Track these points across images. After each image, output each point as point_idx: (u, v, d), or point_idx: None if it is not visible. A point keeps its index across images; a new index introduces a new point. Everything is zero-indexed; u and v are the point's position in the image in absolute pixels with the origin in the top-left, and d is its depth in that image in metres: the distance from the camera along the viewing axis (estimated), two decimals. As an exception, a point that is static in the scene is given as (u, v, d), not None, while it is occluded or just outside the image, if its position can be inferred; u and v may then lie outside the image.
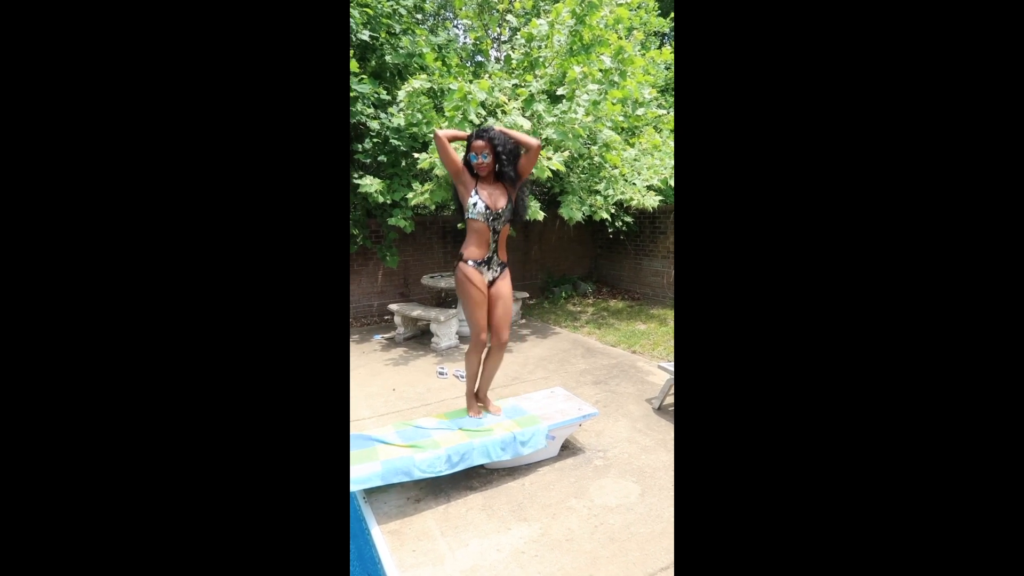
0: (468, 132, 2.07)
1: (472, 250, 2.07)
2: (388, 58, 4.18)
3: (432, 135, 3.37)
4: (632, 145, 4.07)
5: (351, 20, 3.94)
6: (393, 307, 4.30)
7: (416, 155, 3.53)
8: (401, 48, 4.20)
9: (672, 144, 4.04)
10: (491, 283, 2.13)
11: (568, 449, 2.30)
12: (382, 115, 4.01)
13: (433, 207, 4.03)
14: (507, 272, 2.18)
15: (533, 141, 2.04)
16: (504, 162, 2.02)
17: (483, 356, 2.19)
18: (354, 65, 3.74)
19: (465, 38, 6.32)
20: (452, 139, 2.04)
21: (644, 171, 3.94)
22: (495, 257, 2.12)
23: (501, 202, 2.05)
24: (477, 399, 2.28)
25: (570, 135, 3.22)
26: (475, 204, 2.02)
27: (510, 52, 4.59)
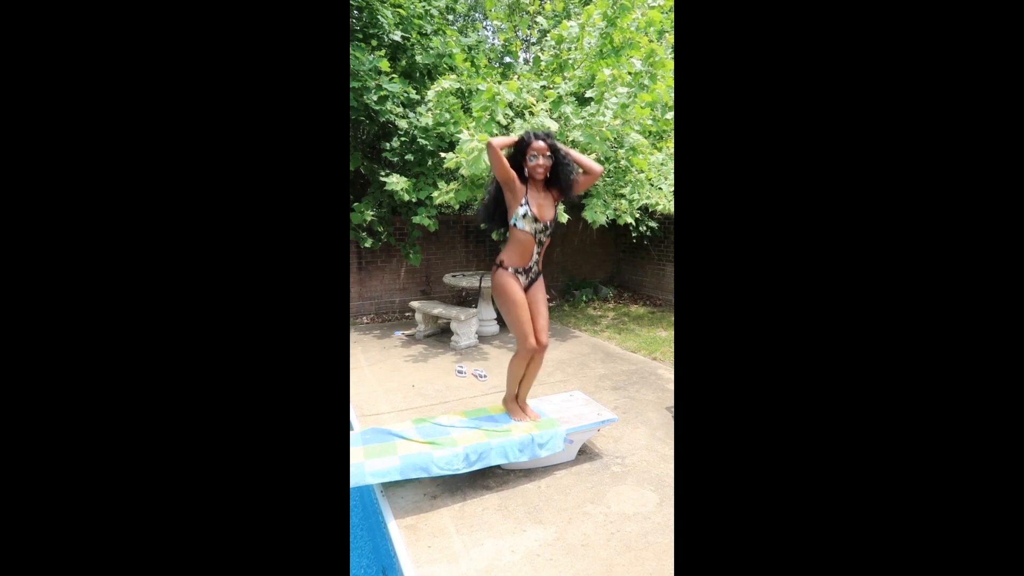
0: (516, 137, 2.03)
1: (514, 258, 2.04)
2: (418, 58, 4.23)
3: (459, 135, 3.39)
4: (660, 149, 4.02)
5: (384, 21, 4.00)
6: (415, 304, 4.34)
7: (443, 154, 3.56)
8: (431, 48, 4.25)
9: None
10: (526, 289, 2.10)
11: (585, 454, 2.28)
12: (411, 114, 4.06)
13: (457, 206, 4.05)
14: (541, 278, 2.16)
15: (597, 167, 2.07)
16: (561, 171, 2.01)
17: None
18: (385, 64, 3.80)
19: (494, 39, 6.35)
20: (503, 146, 1.99)
21: (671, 176, 3.88)
22: (535, 267, 2.10)
23: (549, 213, 2.04)
24: (516, 402, 2.24)
25: (597, 138, 3.19)
26: (524, 214, 1.98)
27: (539, 54, 4.59)
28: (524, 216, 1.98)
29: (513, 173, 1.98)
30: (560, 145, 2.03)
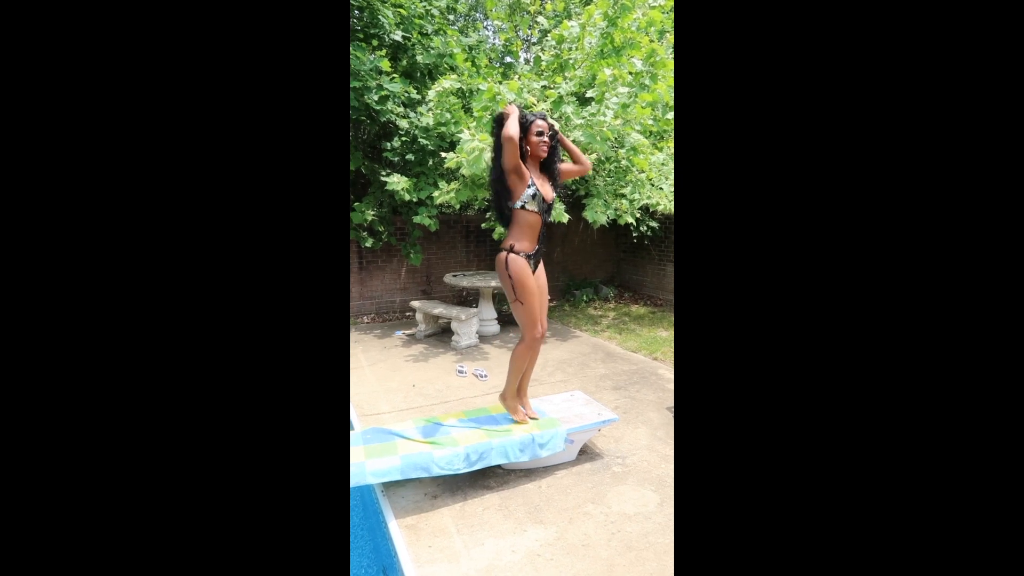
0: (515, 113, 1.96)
1: (524, 243, 2.01)
2: (419, 58, 4.23)
3: (460, 135, 3.39)
4: (660, 149, 4.01)
5: (385, 20, 4.00)
6: (415, 304, 4.35)
7: (444, 154, 3.56)
8: (432, 48, 4.25)
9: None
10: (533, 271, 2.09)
11: (586, 454, 2.28)
12: (411, 114, 4.06)
13: (458, 206, 4.05)
14: (542, 262, 2.16)
15: (587, 161, 2.16)
16: (556, 154, 2.07)
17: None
18: (386, 64, 3.80)
19: (495, 39, 6.35)
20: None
21: (672, 176, 3.88)
22: (541, 248, 2.08)
23: (550, 194, 2.06)
24: (518, 397, 2.21)
25: (598, 138, 3.19)
26: (534, 195, 1.96)
27: (540, 54, 4.59)
28: (533, 197, 1.97)
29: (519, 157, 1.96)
30: (555, 126, 2.07)
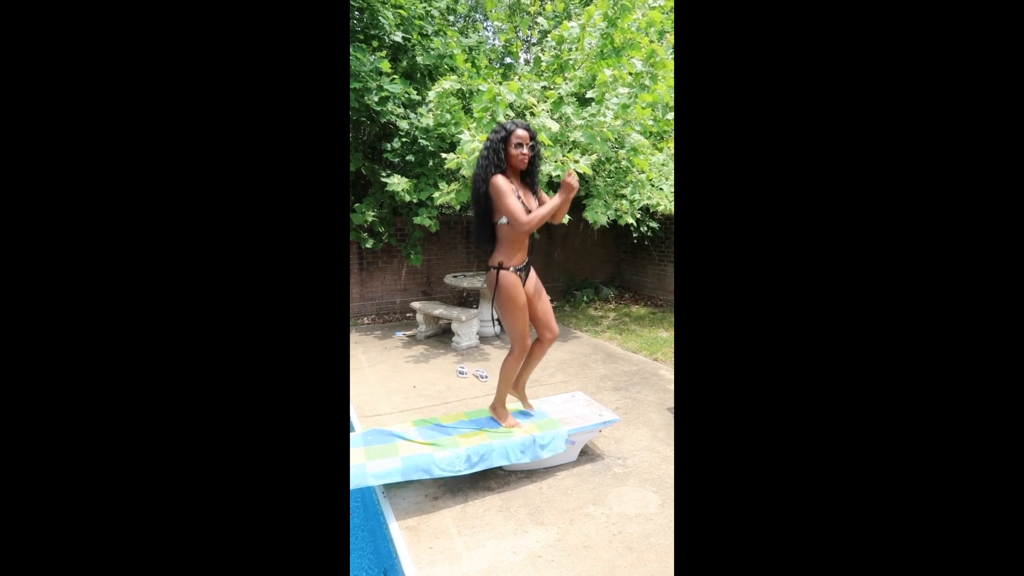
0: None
1: (513, 257, 2.01)
2: (419, 59, 4.24)
3: (460, 136, 3.39)
4: (661, 150, 4.01)
5: (385, 21, 4.01)
6: (415, 305, 4.34)
7: (444, 155, 3.56)
8: (432, 49, 4.25)
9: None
10: (525, 284, 2.10)
11: (587, 455, 2.28)
12: (411, 115, 4.06)
13: (458, 207, 4.05)
14: (532, 269, 2.17)
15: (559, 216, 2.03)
16: (535, 168, 2.02)
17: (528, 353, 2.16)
18: (386, 65, 3.80)
19: (495, 40, 6.35)
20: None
21: (672, 176, 3.88)
22: (530, 259, 2.09)
23: (534, 204, 2.03)
24: (515, 390, 2.25)
25: (598, 138, 3.19)
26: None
27: (540, 54, 4.59)
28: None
29: (508, 186, 1.91)
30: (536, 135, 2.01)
